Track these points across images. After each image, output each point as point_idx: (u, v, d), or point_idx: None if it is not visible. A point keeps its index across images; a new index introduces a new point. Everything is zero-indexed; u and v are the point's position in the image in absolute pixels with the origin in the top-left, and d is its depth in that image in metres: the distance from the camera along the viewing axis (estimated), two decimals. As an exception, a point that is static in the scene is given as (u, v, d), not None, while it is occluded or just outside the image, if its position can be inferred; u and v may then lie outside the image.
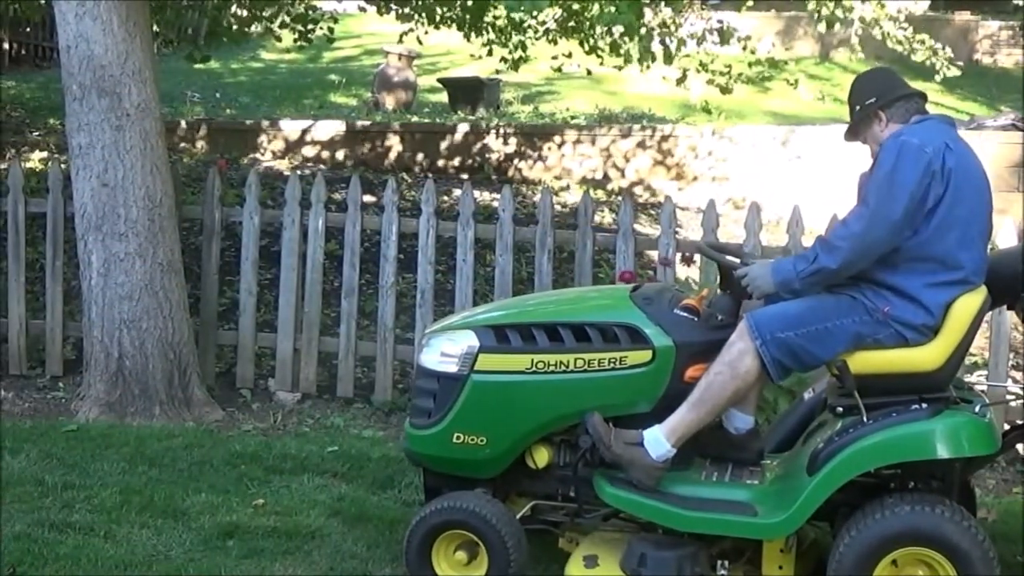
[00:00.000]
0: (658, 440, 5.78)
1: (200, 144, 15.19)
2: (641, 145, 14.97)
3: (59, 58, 9.33)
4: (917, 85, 5.99)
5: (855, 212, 5.64)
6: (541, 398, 5.97)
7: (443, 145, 15.22)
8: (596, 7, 10.39)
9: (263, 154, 15.18)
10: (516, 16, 11.01)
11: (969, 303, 5.63)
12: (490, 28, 13.11)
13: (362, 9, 14.35)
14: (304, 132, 15.32)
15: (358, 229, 9.58)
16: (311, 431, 8.94)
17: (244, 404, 9.51)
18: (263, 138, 15.35)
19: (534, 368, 5.96)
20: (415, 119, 16.29)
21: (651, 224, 13.15)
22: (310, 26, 13.80)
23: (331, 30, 13.97)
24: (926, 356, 5.59)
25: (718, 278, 6.34)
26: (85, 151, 9.04)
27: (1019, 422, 7.37)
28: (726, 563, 5.82)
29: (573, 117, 16.58)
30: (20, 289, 9.95)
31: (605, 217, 13.45)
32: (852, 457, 5.54)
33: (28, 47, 22.48)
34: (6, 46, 21.87)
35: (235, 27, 14.42)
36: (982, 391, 6.31)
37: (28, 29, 22.11)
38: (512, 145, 15.09)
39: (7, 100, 17.72)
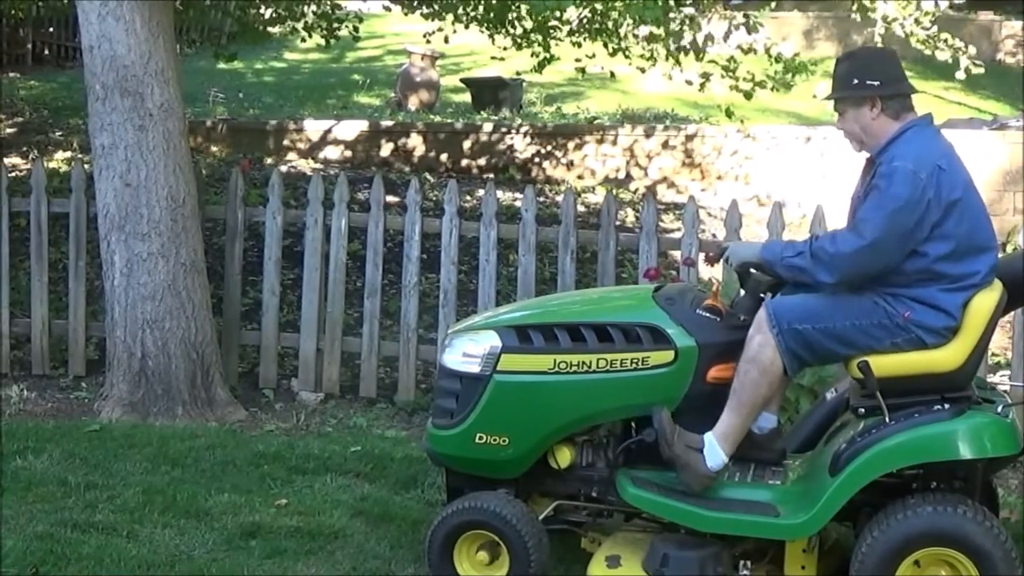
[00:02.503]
0: (714, 448, 5.78)
1: (223, 144, 15.20)
2: (664, 144, 14.94)
3: (82, 58, 9.35)
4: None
5: (846, 237, 5.63)
6: (563, 399, 5.98)
7: (466, 145, 15.22)
8: (620, 5, 10.37)
9: (286, 154, 15.19)
10: (541, 16, 10.98)
11: (985, 301, 5.63)
12: (515, 28, 13.08)
13: (387, 8, 14.33)
14: (327, 132, 15.33)
15: (381, 229, 9.58)
16: (334, 431, 8.94)
17: (267, 404, 9.52)
18: (286, 138, 15.36)
19: (556, 368, 5.96)
20: (438, 119, 16.29)
21: (674, 221, 13.12)
22: (335, 25, 13.81)
23: (356, 29, 13.97)
24: (945, 356, 5.59)
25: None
26: (108, 151, 9.06)
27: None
28: (748, 563, 5.82)
29: (595, 117, 16.56)
30: (43, 289, 9.97)
31: (628, 217, 13.43)
32: (875, 458, 5.54)
33: (51, 47, 22.52)
34: (29, 46, 21.93)
35: (261, 26, 14.44)
36: (1005, 391, 6.29)
37: (51, 29, 22.18)
38: (535, 145, 15.08)
39: (30, 100, 17.77)
